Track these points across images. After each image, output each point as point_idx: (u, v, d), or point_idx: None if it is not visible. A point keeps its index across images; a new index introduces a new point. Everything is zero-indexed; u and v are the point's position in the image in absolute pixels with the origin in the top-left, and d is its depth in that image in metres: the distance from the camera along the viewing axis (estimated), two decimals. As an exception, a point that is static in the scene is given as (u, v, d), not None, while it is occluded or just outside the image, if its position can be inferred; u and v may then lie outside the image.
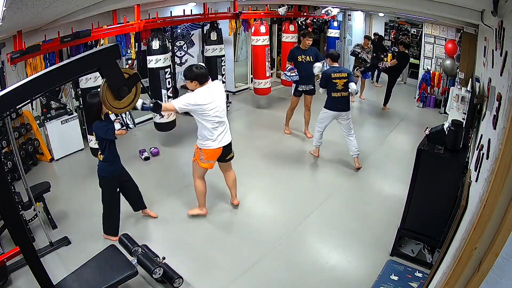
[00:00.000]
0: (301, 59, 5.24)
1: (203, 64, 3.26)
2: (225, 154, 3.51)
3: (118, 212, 3.30)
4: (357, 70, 7.39)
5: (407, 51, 6.94)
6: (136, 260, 2.78)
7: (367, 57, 7.18)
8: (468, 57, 5.40)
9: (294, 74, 5.22)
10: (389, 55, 7.80)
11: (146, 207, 3.64)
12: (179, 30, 6.69)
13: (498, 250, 1.34)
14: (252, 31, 6.68)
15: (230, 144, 3.50)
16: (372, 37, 8.77)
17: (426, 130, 3.04)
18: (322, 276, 3.02)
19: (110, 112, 2.92)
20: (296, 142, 5.62)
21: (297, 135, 5.82)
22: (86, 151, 5.03)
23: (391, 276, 2.94)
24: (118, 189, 3.23)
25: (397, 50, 7.42)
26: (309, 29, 8.65)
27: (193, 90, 3.20)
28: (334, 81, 4.51)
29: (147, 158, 4.96)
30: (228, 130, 3.45)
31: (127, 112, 2.92)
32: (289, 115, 5.77)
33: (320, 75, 4.76)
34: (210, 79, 3.29)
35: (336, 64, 4.63)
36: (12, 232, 1.82)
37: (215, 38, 6.09)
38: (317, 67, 5.06)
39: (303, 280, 2.98)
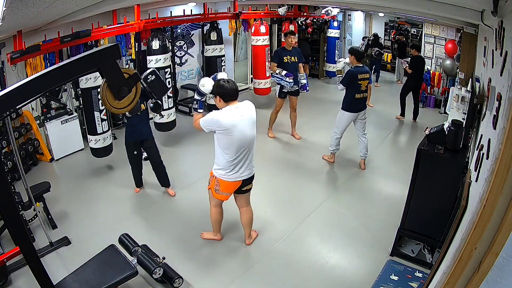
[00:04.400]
0: (286, 60, 5.13)
1: (233, 80, 2.83)
2: (244, 185, 3.01)
3: (136, 171, 4.09)
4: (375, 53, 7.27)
5: (420, 54, 6.59)
6: (136, 260, 2.78)
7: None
8: (468, 57, 5.39)
9: (291, 80, 5.00)
10: (389, 55, 7.74)
11: (168, 186, 4.11)
12: (179, 30, 6.70)
13: (498, 250, 1.34)
14: (252, 31, 6.69)
15: (252, 176, 3.01)
16: (371, 37, 8.77)
17: (426, 130, 3.04)
18: (322, 276, 3.03)
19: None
20: (295, 142, 5.62)
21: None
22: (86, 151, 5.03)
23: (391, 276, 2.94)
24: (135, 152, 3.91)
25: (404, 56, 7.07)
26: (309, 29, 8.67)
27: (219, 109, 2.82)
28: (359, 82, 4.32)
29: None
30: (253, 161, 2.94)
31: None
32: (273, 118, 5.62)
33: (344, 72, 4.52)
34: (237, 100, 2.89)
35: (360, 64, 4.39)
36: (12, 232, 1.81)
37: (215, 38, 6.09)
38: (343, 62, 4.69)
39: (303, 280, 2.98)
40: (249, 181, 3.00)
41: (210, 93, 2.87)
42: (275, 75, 5.15)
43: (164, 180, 4.05)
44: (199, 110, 2.95)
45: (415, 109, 6.60)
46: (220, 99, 2.77)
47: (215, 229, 3.35)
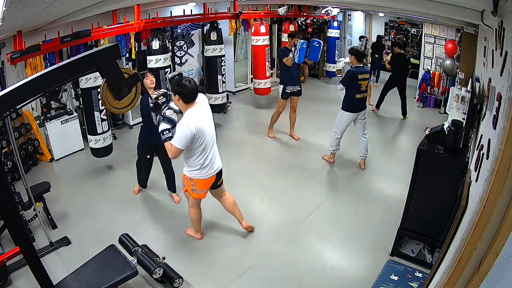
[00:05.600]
0: None
1: (194, 80, 2.77)
2: (217, 180, 3.08)
3: (144, 173, 4.05)
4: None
5: (403, 52, 6.68)
6: (136, 260, 2.78)
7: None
8: (468, 57, 5.40)
9: (304, 41, 4.89)
10: (389, 55, 7.74)
11: (175, 192, 4.03)
12: (179, 30, 6.69)
13: (498, 250, 1.34)
14: (252, 31, 6.68)
15: (221, 168, 3.10)
16: (374, 39, 8.81)
17: (426, 130, 3.04)
18: (322, 276, 3.03)
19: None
20: (295, 143, 5.62)
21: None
22: (86, 151, 5.03)
23: (391, 276, 2.94)
24: (148, 156, 3.87)
25: (390, 52, 7.23)
26: (309, 29, 8.67)
27: (181, 108, 2.76)
28: (359, 82, 4.32)
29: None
30: (217, 152, 3.02)
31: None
32: (274, 118, 5.60)
33: (344, 72, 4.51)
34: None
35: (360, 64, 4.38)
36: (12, 232, 1.82)
37: (215, 38, 6.09)
38: (343, 62, 4.65)
39: (303, 280, 2.98)
40: (220, 174, 3.09)
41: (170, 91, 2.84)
42: (296, 54, 4.90)
43: (171, 186, 4.03)
44: (176, 144, 2.69)
45: (403, 106, 6.66)
46: (180, 99, 2.69)
47: (196, 229, 3.40)
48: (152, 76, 3.69)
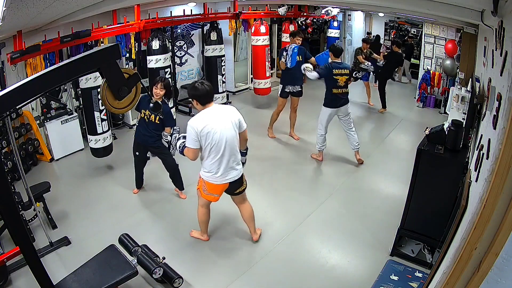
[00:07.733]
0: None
1: (207, 83, 2.81)
2: (234, 188, 3.02)
3: (137, 172, 4.08)
4: (355, 74, 7.32)
5: (400, 51, 6.90)
6: (136, 260, 2.78)
7: (368, 65, 7.05)
8: (468, 57, 5.40)
9: (295, 46, 4.96)
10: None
11: (182, 189, 4.08)
12: (179, 30, 6.70)
13: (498, 250, 1.34)
14: (252, 31, 6.69)
15: (240, 178, 2.99)
16: (365, 36, 8.81)
17: (426, 130, 3.04)
18: (322, 276, 3.02)
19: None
20: (295, 142, 5.62)
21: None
22: (86, 151, 5.03)
23: (391, 276, 2.94)
24: (137, 153, 3.92)
25: (389, 50, 7.34)
26: (309, 29, 8.68)
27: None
28: (335, 77, 4.39)
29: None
30: (237, 162, 2.92)
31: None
32: (274, 118, 5.59)
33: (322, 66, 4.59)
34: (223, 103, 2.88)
35: (338, 60, 4.47)
36: (12, 232, 1.82)
37: (215, 38, 6.10)
38: (308, 70, 4.64)
39: (303, 280, 2.98)
40: (237, 184, 3.00)
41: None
42: (289, 60, 4.98)
43: (176, 183, 4.06)
44: (187, 145, 2.80)
45: (382, 98, 6.88)
46: (197, 102, 2.77)
47: (202, 229, 3.39)
48: (162, 89, 3.57)
